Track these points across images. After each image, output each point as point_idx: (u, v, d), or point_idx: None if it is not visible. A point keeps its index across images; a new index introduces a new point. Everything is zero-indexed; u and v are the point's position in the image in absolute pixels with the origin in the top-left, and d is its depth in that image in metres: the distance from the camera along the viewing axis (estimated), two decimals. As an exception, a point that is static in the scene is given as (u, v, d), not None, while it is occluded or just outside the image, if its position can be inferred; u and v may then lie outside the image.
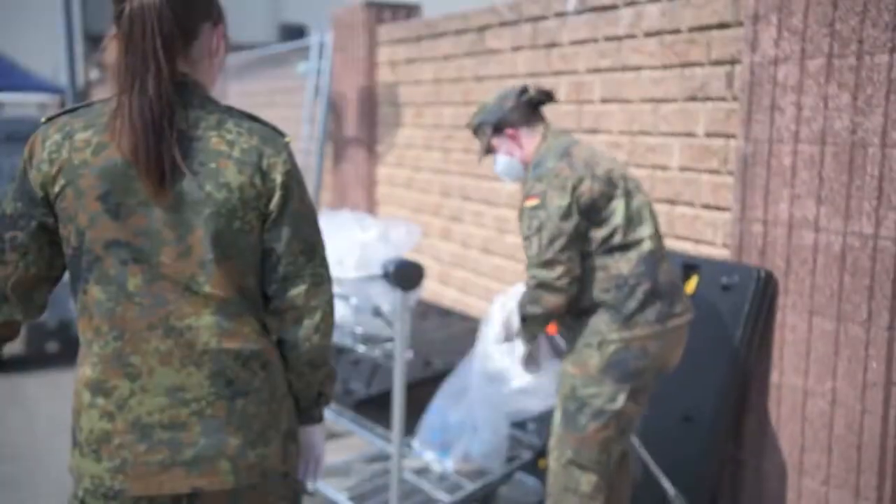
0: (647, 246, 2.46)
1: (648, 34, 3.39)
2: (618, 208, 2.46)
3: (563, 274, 2.41)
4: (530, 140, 2.62)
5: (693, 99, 3.20)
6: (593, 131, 3.74)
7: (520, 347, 2.67)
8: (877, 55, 2.43)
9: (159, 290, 1.47)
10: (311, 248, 1.58)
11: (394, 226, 2.85)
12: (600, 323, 2.45)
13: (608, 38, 3.61)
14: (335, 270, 2.73)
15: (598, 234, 2.45)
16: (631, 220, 2.46)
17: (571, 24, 3.82)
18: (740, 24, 2.96)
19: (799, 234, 2.71)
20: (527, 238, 2.47)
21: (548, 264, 2.41)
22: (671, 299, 2.47)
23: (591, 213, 2.44)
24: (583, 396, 2.46)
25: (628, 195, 2.49)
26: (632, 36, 3.48)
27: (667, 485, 2.62)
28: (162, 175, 1.44)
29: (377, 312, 2.66)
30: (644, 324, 2.43)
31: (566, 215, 2.41)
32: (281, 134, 1.58)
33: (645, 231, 2.47)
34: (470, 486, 3.18)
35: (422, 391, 3.53)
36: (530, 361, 2.71)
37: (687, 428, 2.91)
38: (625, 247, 2.45)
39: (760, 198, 2.84)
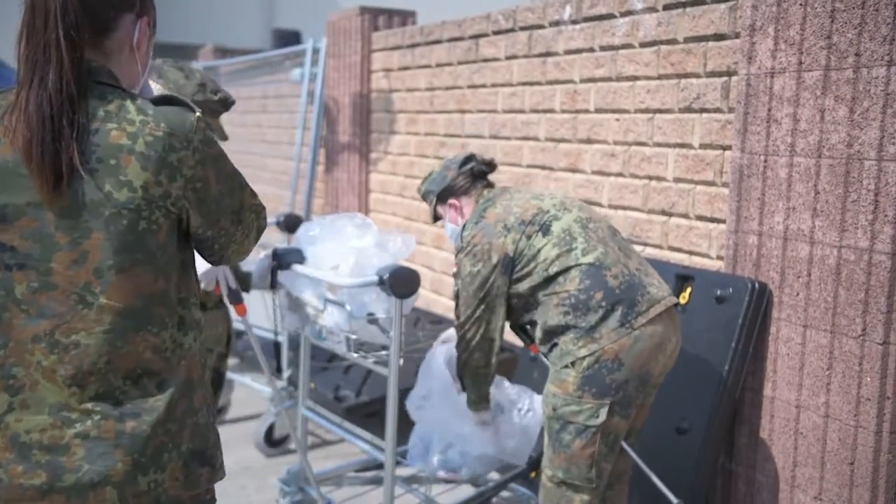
0: (585, 260, 2.47)
1: (644, 44, 3.38)
2: (541, 241, 2.52)
3: (476, 334, 2.60)
4: (470, 208, 2.75)
5: (689, 110, 3.20)
6: (588, 141, 3.73)
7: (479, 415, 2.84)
8: (874, 68, 2.43)
9: (48, 300, 1.35)
10: (238, 211, 1.51)
11: (390, 238, 2.83)
12: (567, 343, 2.46)
13: (604, 48, 3.61)
14: (330, 276, 2.71)
15: (535, 271, 2.51)
16: (560, 245, 2.50)
17: (567, 33, 3.81)
18: (737, 35, 2.96)
19: (794, 246, 2.70)
20: (454, 299, 2.67)
21: (462, 326, 2.61)
22: (631, 300, 2.44)
23: (516, 260, 2.54)
24: (564, 414, 2.46)
25: (550, 222, 2.54)
26: (628, 46, 3.47)
27: (670, 495, 2.60)
28: (58, 177, 1.32)
29: (372, 319, 2.63)
30: (608, 332, 2.41)
31: (478, 282, 2.55)
32: (192, 110, 1.44)
33: (578, 246, 2.49)
34: (463, 497, 3.16)
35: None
36: (483, 425, 2.89)
37: (680, 439, 2.90)
38: (564, 270, 2.48)
39: (756, 210, 2.83)
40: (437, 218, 2.88)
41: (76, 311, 1.35)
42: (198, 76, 2.59)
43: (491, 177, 2.88)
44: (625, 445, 2.56)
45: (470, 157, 2.79)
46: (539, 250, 2.51)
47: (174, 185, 1.39)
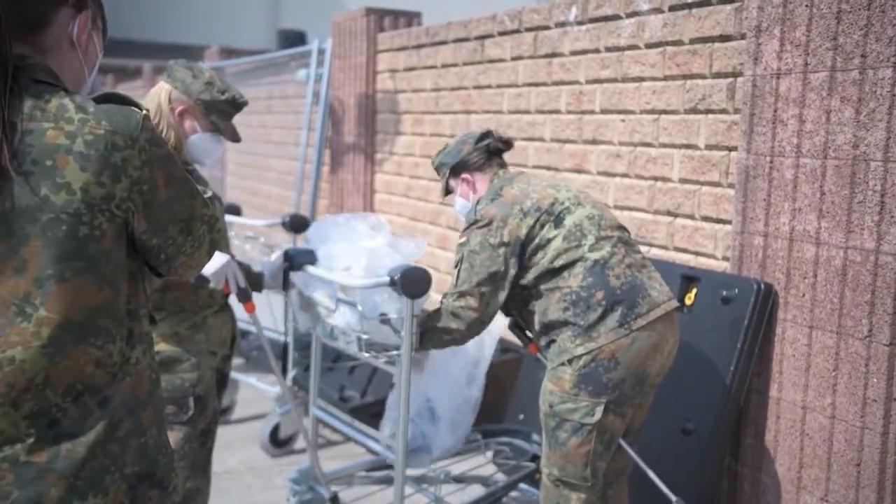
0: (591, 256, 2.47)
1: (650, 45, 3.38)
2: (552, 231, 2.50)
3: (469, 307, 2.53)
4: (483, 185, 2.72)
5: (694, 111, 3.20)
6: (594, 142, 3.73)
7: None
8: (880, 70, 2.43)
9: None
10: (188, 220, 1.40)
11: (402, 242, 2.84)
12: (565, 341, 2.46)
13: (609, 49, 3.61)
14: (342, 277, 2.71)
15: (541, 261, 2.50)
16: (569, 238, 2.49)
17: (573, 33, 3.81)
18: (743, 36, 2.96)
19: (800, 247, 2.70)
20: (454, 268, 2.62)
21: (460, 295, 2.54)
22: (631, 301, 2.44)
23: (525, 245, 2.51)
24: (560, 412, 2.47)
25: (564, 214, 2.52)
26: (633, 47, 3.47)
27: (669, 493, 2.60)
28: None
29: (385, 320, 2.64)
30: (606, 332, 2.42)
31: (487, 255, 2.51)
32: (137, 107, 1.34)
33: (586, 242, 2.49)
34: (472, 497, 3.17)
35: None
36: (416, 365, 2.82)
37: (685, 440, 2.90)
38: (569, 264, 2.47)
39: (761, 211, 2.83)
40: (448, 192, 2.83)
41: (14, 324, 1.25)
42: (206, 75, 2.57)
43: None
44: (623, 444, 2.57)
45: (487, 134, 2.76)
46: (549, 241, 2.50)
47: (118, 187, 1.28)
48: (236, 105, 2.60)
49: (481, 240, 2.53)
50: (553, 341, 2.51)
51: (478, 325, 2.58)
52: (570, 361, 2.45)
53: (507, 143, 2.79)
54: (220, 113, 2.57)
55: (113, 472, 1.31)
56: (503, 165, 2.77)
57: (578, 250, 2.48)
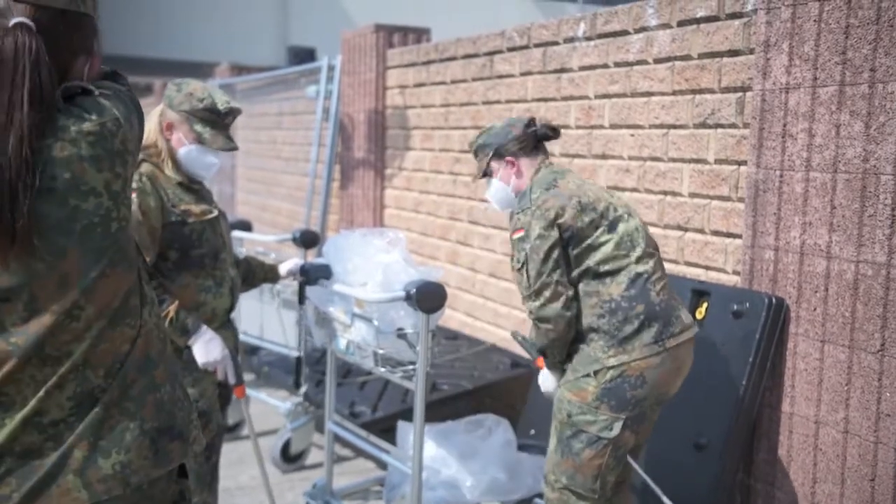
0: (637, 269, 2.46)
1: (659, 60, 3.39)
2: (605, 236, 2.47)
3: (552, 299, 2.44)
4: (527, 171, 2.65)
5: (703, 125, 3.20)
6: (603, 157, 3.74)
7: (547, 376, 2.68)
8: (889, 84, 2.43)
9: (38, 326, 1.30)
10: None
11: (420, 269, 2.84)
12: (596, 349, 2.45)
13: (618, 64, 3.62)
14: (357, 292, 2.72)
15: (587, 261, 2.47)
16: (620, 246, 2.47)
17: (581, 49, 3.83)
18: (751, 51, 2.97)
19: (811, 261, 2.69)
20: (517, 271, 2.52)
21: (537, 294, 2.46)
22: (667, 319, 2.45)
23: (578, 241, 2.47)
24: (578, 423, 2.46)
25: (617, 221, 2.50)
26: (642, 62, 3.49)
27: (666, 500, 2.59)
28: (11, 241, 1.27)
29: (401, 334, 2.65)
30: (640, 346, 2.41)
31: (549, 244, 2.44)
32: (91, 91, 1.39)
33: (634, 254, 2.48)
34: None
35: (428, 415, 3.50)
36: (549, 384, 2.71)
37: (698, 455, 2.89)
38: (614, 272, 2.46)
39: (772, 225, 2.83)
40: (484, 174, 2.72)
41: (65, 327, 1.32)
42: (189, 88, 2.55)
43: None
44: (629, 460, 2.56)
45: (533, 120, 2.70)
46: (601, 244, 2.47)
47: (127, 167, 1.37)
48: (216, 112, 2.53)
49: (540, 231, 2.46)
50: (580, 348, 2.49)
51: (571, 308, 2.48)
52: (595, 373, 2.43)
53: (555, 131, 2.71)
54: (204, 122, 2.52)
55: (133, 429, 1.38)
56: (546, 155, 2.71)
57: (626, 259, 2.46)
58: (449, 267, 4.98)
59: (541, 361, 2.73)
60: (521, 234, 2.51)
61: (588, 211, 2.48)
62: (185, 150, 2.54)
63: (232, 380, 2.58)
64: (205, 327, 2.51)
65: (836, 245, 2.60)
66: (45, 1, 1.33)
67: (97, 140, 1.33)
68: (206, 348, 2.49)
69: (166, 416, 1.44)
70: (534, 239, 2.47)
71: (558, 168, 2.66)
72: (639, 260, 2.48)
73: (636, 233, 2.52)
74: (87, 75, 1.44)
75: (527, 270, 2.48)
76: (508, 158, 2.66)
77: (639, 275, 2.46)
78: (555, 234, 2.45)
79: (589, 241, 2.47)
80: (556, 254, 2.45)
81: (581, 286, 2.48)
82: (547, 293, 2.45)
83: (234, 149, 2.62)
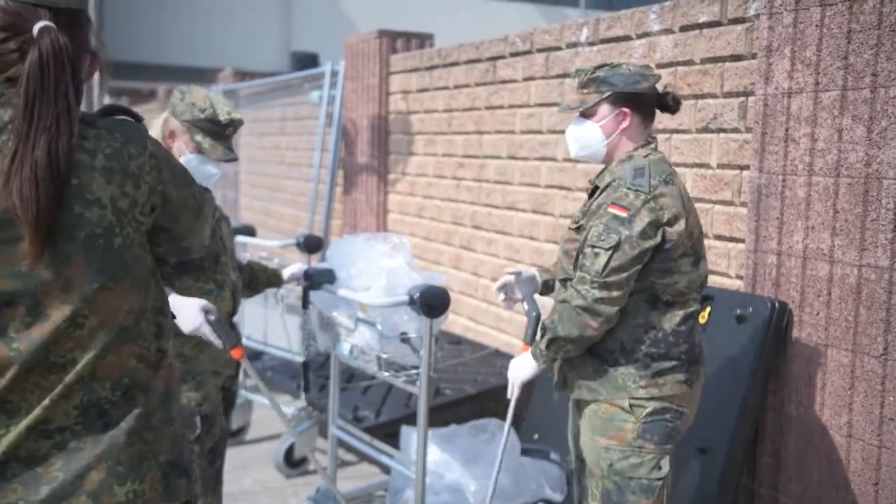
0: (691, 308, 2.28)
1: (661, 65, 3.40)
2: (688, 268, 2.25)
3: (617, 300, 2.19)
4: (634, 135, 2.32)
5: (706, 130, 3.21)
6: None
7: (526, 363, 2.42)
8: (891, 88, 2.44)
9: (41, 332, 1.31)
10: (199, 207, 1.52)
11: (423, 274, 2.85)
12: (625, 377, 2.23)
13: (621, 69, 3.63)
14: (361, 296, 2.73)
15: (656, 281, 2.23)
16: (692, 286, 2.27)
17: (584, 54, 3.84)
18: (753, 56, 2.98)
19: (813, 265, 2.70)
20: (594, 247, 2.21)
21: (605, 286, 2.18)
22: (699, 362, 2.34)
23: (663, 258, 2.21)
24: (623, 470, 2.22)
25: (701, 259, 2.30)
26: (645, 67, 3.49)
27: None
28: (49, 235, 1.29)
29: (405, 339, 2.65)
30: (674, 383, 2.24)
31: (648, 245, 2.18)
32: (137, 119, 1.44)
33: (696, 296, 2.31)
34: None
35: (432, 419, 3.51)
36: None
37: (702, 459, 2.89)
38: (673, 304, 2.25)
39: (774, 229, 2.83)
40: (584, 112, 2.33)
41: (68, 335, 1.33)
42: (190, 97, 2.54)
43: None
44: None
45: (668, 89, 2.44)
46: (681, 273, 2.24)
47: (139, 193, 1.37)
48: (217, 123, 2.51)
49: (648, 221, 2.17)
50: (603, 369, 2.27)
51: (609, 324, 2.23)
52: (632, 408, 2.22)
53: (678, 104, 2.39)
54: (205, 132, 2.51)
55: (149, 458, 1.39)
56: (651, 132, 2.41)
57: (688, 297, 2.28)
58: (452, 271, 4.98)
59: (525, 347, 2.50)
60: (623, 214, 2.18)
61: (690, 232, 2.24)
62: (185, 159, 2.53)
63: (218, 343, 2.49)
64: (175, 295, 2.39)
65: (839, 249, 2.61)
66: (64, 3, 1.37)
67: (114, 154, 1.35)
68: (181, 318, 2.38)
69: (178, 451, 1.45)
70: (636, 231, 2.16)
71: (667, 160, 2.35)
72: (695, 301, 2.30)
73: (705, 274, 2.33)
74: (86, 74, 1.47)
75: (610, 256, 2.17)
76: (624, 109, 2.28)
77: (691, 314, 2.27)
78: (658, 238, 2.18)
79: (671, 263, 2.22)
80: (646, 258, 2.18)
81: (631, 300, 2.23)
82: (615, 292, 2.18)
83: (234, 159, 2.60)
